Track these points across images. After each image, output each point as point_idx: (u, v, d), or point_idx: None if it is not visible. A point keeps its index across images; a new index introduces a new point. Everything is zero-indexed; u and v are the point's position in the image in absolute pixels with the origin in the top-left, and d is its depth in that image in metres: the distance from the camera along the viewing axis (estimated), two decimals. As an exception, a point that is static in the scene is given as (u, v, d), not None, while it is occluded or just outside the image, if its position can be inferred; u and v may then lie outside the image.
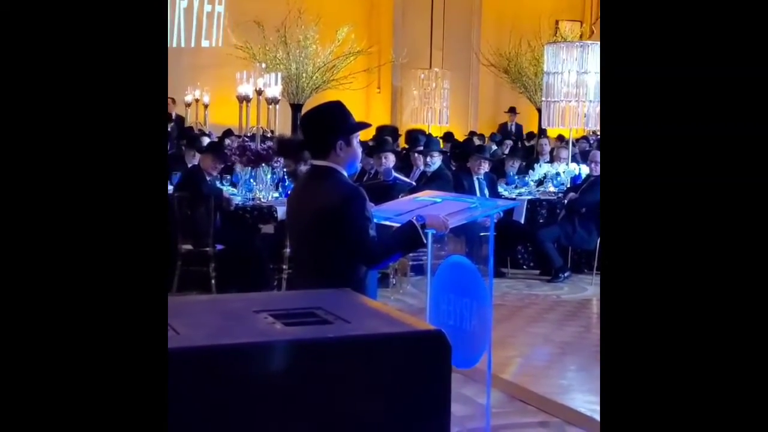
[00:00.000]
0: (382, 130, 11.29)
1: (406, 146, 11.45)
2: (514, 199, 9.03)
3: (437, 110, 13.92)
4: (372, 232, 3.36)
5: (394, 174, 7.95)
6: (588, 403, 5.06)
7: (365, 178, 8.46)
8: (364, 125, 3.68)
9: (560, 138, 12.01)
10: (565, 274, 8.57)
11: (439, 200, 4.10)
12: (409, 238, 3.47)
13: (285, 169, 7.76)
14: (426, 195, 4.38)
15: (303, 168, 6.51)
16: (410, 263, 7.83)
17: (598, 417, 4.76)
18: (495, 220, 8.07)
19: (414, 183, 8.03)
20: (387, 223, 3.73)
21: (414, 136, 11.00)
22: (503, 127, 14.48)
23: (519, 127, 14.49)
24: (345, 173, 3.46)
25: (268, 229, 6.98)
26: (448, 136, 13.53)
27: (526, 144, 13.80)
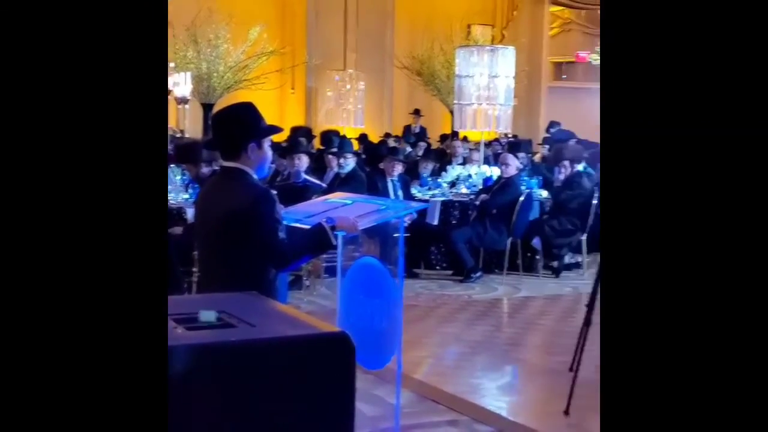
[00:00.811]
0: (295, 131, 11.25)
1: (321, 147, 11.43)
2: (427, 200, 9.11)
3: (352, 112, 13.96)
4: (281, 235, 3.35)
5: (304, 176, 8.00)
6: (496, 400, 5.16)
7: (278, 179, 8.43)
8: (275, 129, 3.68)
9: (465, 139, 12.18)
10: (477, 275, 8.67)
11: (349, 202, 4.11)
12: (318, 240, 3.47)
13: (187, 174, 7.66)
14: (337, 197, 4.40)
15: (205, 170, 6.43)
16: (323, 265, 7.82)
17: (506, 414, 4.87)
18: (408, 222, 8.21)
19: (324, 185, 8.09)
20: (297, 225, 3.73)
21: (328, 137, 10.97)
22: (407, 129, 14.56)
23: (423, 129, 14.59)
24: (255, 175, 3.44)
25: (177, 231, 6.88)
26: (362, 138, 13.57)
27: (441, 146, 13.93)
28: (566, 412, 4.75)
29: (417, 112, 14.52)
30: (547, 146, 13.01)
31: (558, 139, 12.58)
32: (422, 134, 14.17)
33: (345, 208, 3.94)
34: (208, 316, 2.15)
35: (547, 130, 14.27)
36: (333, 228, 3.50)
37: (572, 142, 11.63)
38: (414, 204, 6.27)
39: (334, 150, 9.26)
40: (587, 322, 5.08)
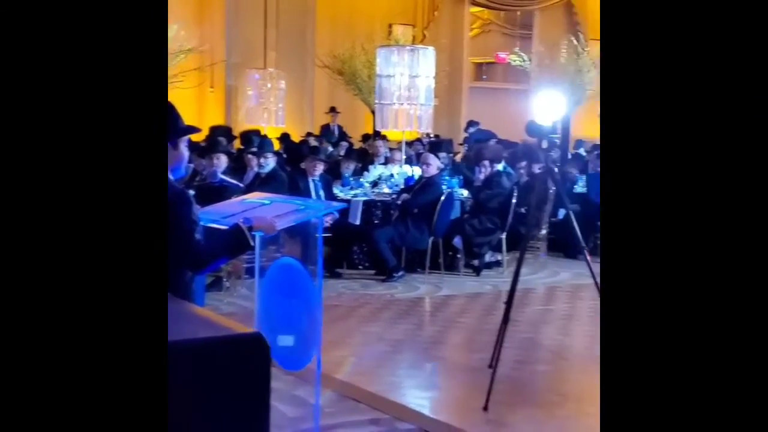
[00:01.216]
0: (215, 131, 11.15)
1: (242, 147, 11.34)
2: (349, 200, 9.13)
3: (272, 111, 13.87)
4: (198, 236, 3.31)
5: (221, 176, 7.94)
6: (417, 398, 5.20)
7: (197, 180, 8.34)
8: (192, 129, 3.62)
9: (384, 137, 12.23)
10: (399, 274, 8.71)
11: (267, 202, 4.09)
12: (236, 241, 3.44)
13: None
14: (255, 197, 4.37)
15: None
16: (244, 266, 7.75)
17: (426, 412, 4.92)
18: (329, 222, 8.22)
19: (242, 185, 8.03)
20: (214, 225, 3.69)
21: (248, 137, 10.87)
22: (325, 128, 14.55)
23: (340, 128, 14.59)
24: (171, 176, 3.40)
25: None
26: (283, 137, 13.51)
27: (362, 146, 13.95)
28: (485, 408, 4.82)
29: (333, 110, 14.50)
30: (467, 146, 13.16)
31: (478, 139, 12.75)
32: (341, 132, 14.15)
33: (263, 208, 3.92)
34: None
35: (466, 130, 14.44)
36: (251, 228, 3.48)
37: (492, 142, 11.79)
38: (335, 204, 6.28)
39: (254, 150, 9.20)
40: (506, 320, 5.17)
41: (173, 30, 11.54)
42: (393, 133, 11.85)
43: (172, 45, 11.67)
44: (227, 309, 6.96)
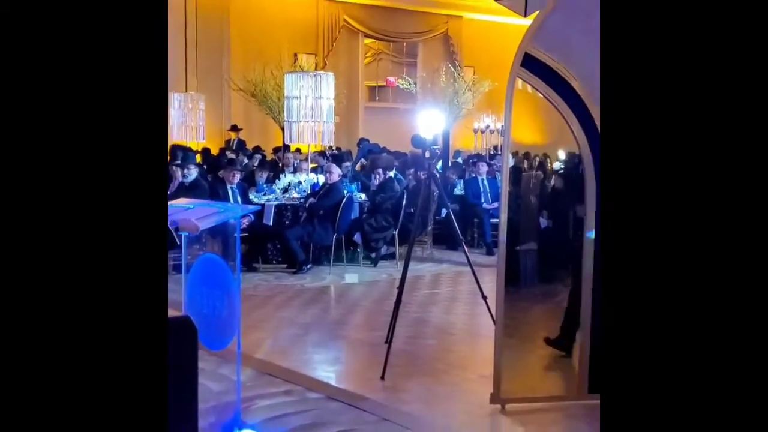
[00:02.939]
0: (144, 146, 10.89)
1: (168, 160, 11.12)
2: (263, 204, 9.08)
3: (194, 128, 13.67)
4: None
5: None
6: (324, 371, 5.22)
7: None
8: None
9: (298, 151, 12.20)
10: (308, 267, 8.71)
11: (191, 207, 4.05)
12: None
13: None
14: (180, 202, 4.32)
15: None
16: (171, 263, 7.62)
17: (333, 382, 4.93)
18: (246, 223, 8.15)
19: (170, 192, 7.89)
20: (145, 227, 3.64)
21: (173, 151, 10.72)
22: (227, 143, 14.43)
23: (241, 142, 14.41)
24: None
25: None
26: (204, 151, 13.31)
27: (274, 157, 13.85)
28: (382, 377, 4.88)
29: (234, 128, 14.39)
30: (358, 157, 13.24)
31: (370, 150, 12.82)
32: (240, 146, 13.96)
33: (187, 212, 3.88)
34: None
35: (357, 145, 14.54)
36: (177, 229, 3.46)
37: (384, 154, 11.89)
38: (250, 207, 6.25)
39: (179, 162, 9.06)
40: (398, 302, 5.24)
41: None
42: (302, 146, 11.82)
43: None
44: (157, 301, 6.83)
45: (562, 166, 4.53)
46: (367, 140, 14.30)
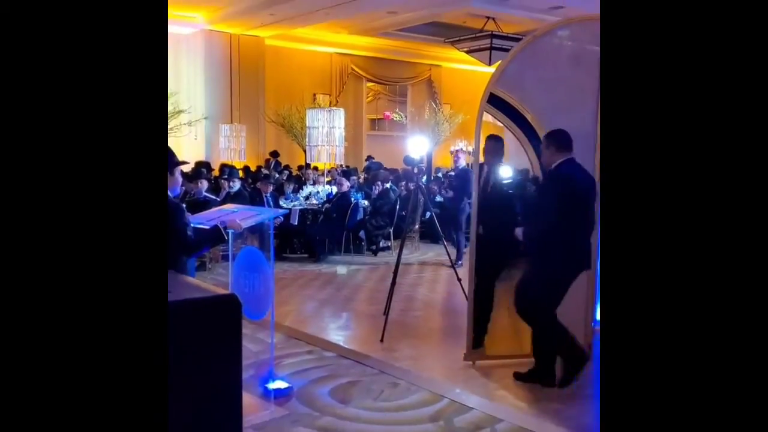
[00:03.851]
0: (199, 165, 10.84)
1: (218, 175, 11.09)
2: (290, 209, 9.06)
3: (237, 151, 13.64)
4: (189, 233, 3.26)
5: (204, 194, 7.75)
6: (337, 336, 5.21)
7: (188, 197, 8.12)
8: (182, 163, 3.57)
9: (315, 168, 12.16)
10: (324, 257, 8.69)
11: (236, 210, 4.05)
12: (214, 236, 3.41)
13: None
14: (227, 207, 4.32)
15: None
16: (221, 253, 7.62)
17: (342, 344, 4.93)
18: (277, 223, 8.10)
19: (219, 199, 7.87)
20: (201, 226, 3.64)
21: (222, 168, 10.70)
22: (267, 162, 14.34)
23: (277, 163, 14.33)
24: (170, 194, 3.34)
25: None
26: (245, 168, 13.26)
27: (298, 173, 13.80)
28: (381, 340, 4.88)
29: (274, 153, 14.31)
30: (365, 173, 13.19)
31: (371, 167, 12.80)
32: (277, 166, 13.89)
33: (233, 214, 3.88)
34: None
35: (366, 160, 14.49)
36: (225, 228, 3.45)
37: (382, 170, 11.87)
38: (281, 211, 6.21)
39: (226, 176, 9.04)
40: (393, 283, 5.24)
41: (171, 97, 11.24)
42: (319, 164, 11.81)
43: (170, 108, 11.36)
44: (210, 281, 6.78)
45: (519, 177, 4.53)
46: (373, 158, 14.26)
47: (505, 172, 4.54)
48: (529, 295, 3.93)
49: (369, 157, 14.62)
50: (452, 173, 6.65)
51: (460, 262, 7.71)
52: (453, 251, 7.77)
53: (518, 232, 4.08)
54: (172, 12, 12.14)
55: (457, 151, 8.97)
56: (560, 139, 3.81)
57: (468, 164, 8.74)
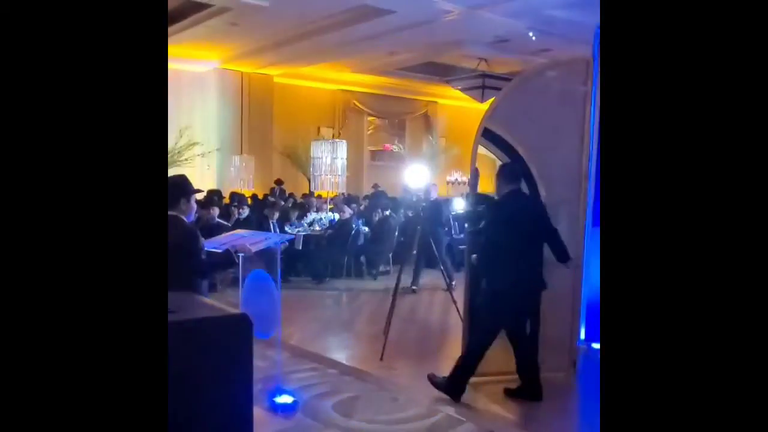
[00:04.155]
0: (211, 193, 10.90)
1: (228, 202, 11.14)
2: (294, 234, 9.09)
3: (246, 180, 13.71)
4: (203, 256, 3.31)
5: (217, 219, 7.81)
6: (339, 354, 5.21)
7: (200, 222, 8.17)
8: (197, 191, 3.63)
9: (319, 197, 12.23)
10: (327, 280, 8.68)
11: (246, 234, 4.09)
12: (226, 259, 3.45)
13: None
14: (237, 232, 4.35)
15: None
16: (231, 276, 7.62)
17: (344, 362, 4.93)
18: (283, 247, 8.13)
19: (230, 225, 7.92)
20: (213, 249, 3.68)
21: (232, 196, 10.77)
22: (272, 190, 14.39)
23: (282, 191, 14.37)
24: (186, 220, 3.38)
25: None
26: (254, 197, 13.30)
27: (302, 200, 13.83)
28: (381, 359, 4.88)
29: (278, 182, 14.35)
30: (368, 200, 13.23)
31: (377, 195, 12.85)
32: (282, 194, 13.94)
33: (243, 238, 3.92)
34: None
35: (372, 188, 14.56)
36: (235, 251, 3.49)
37: (382, 198, 11.93)
38: (286, 236, 6.27)
39: (236, 204, 9.11)
40: (393, 305, 5.25)
41: (186, 130, 11.35)
42: (323, 192, 11.87)
43: (185, 140, 11.47)
44: (220, 302, 6.80)
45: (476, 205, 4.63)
46: (379, 185, 14.34)
47: (458, 204, 4.81)
48: (481, 314, 4.07)
49: (375, 185, 14.69)
50: (424, 203, 6.73)
51: (453, 283, 7.73)
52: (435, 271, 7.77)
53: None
54: (189, 52, 12.34)
55: (431, 185, 8.99)
56: (508, 173, 4.04)
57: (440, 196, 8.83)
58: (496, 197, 4.12)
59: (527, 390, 4.06)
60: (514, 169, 4.11)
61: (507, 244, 3.87)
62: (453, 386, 4.05)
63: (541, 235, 3.96)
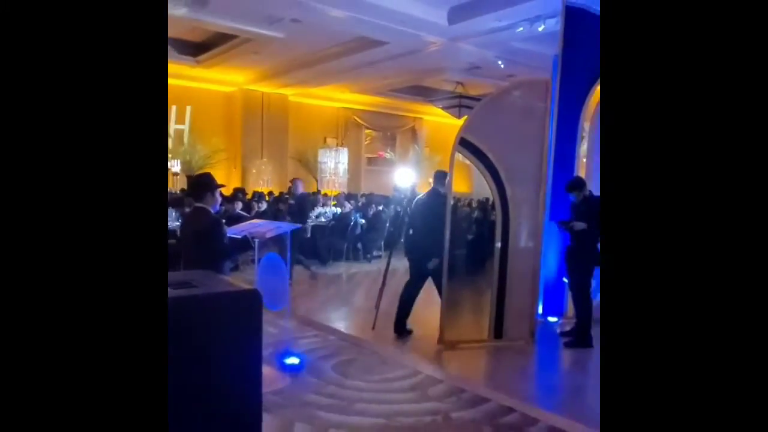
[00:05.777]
0: (236, 190, 10.80)
1: (250, 197, 11.02)
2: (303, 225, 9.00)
3: (266, 180, 13.61)
4: (225, 241, 3.21)
5: (238, 211, 7.71)
6: (338, 323, 5.13)
7: (225, 213, 8.05)
8: (221, 186, 3.54)
9: (325, 195, 12.12)
10: (329, 262, 8.59)
11: (261, 223, 4.01)
12: (244, 243, 3.37)
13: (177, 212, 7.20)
14: (255, 222, 4.27)
15: (187, 209, 6.06)
16: (250, 258, 7.53)
17: (343, 330, 4.86)
18: (291, 234, 8.02)
19: (251, 216, 7.82)
20: (234, 236, 3.59)
21: (253, 193, 10.65)
22: (289, 189, 14.25)
23: (298, 189, 14.18)
24: (212, 210, 3.30)
25: (172, 241, 6.42)
26: (270, 194, 13.19)
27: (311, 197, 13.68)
28: (373, 328, 4.81)
29: (293, 180, 14.23)
30: (364, 197, 13.13)
31: (369, 194, 12.76)
32: (296, 190, 13.76)
33: (259, 226, 3.84)
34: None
35: (367, 195, 14.42)
36: (253, 237, 3.40)
37: (376, 196, 11.83)
38: (296, 225, 6.16)
39: (256, 199, 9.00)
40: (383, 284, 5.17)
41: (215, 138, 11.20)
42: (328, 191, 11.77)
43: (213, 147, 11.34)
44: (240, 280, 6.70)
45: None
46: (372, 195, 14.26)
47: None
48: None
49: (371, 193, 14.58)
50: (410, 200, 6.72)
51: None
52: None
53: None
54: (219, 76, 12.21)
55: (415, 185, 8.93)
56: (436, 176, 4.65)
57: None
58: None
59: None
60: (439, 174, 4.62)
61: (427, 232, 4.41)
62: (397, 327, 4.65)
63: (437, 220, 4.31)
